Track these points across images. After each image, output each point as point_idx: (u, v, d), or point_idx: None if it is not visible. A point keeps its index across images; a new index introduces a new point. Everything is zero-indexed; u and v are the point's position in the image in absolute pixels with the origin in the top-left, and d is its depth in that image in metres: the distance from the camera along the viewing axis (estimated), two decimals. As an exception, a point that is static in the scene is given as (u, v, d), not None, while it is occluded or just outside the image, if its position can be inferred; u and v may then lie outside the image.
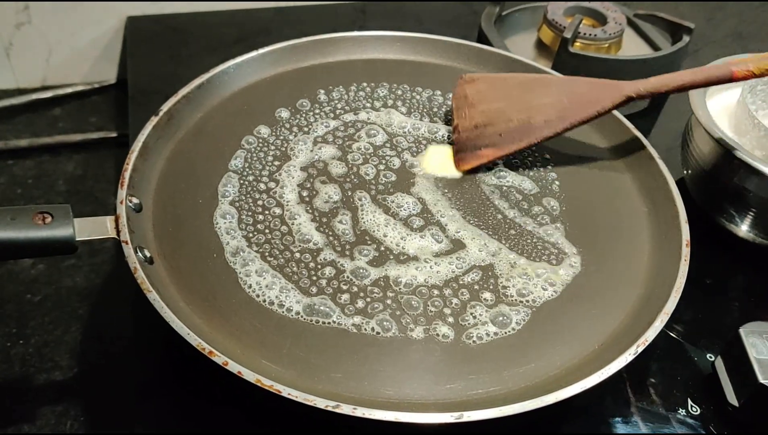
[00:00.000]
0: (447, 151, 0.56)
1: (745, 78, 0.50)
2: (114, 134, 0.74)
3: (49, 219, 0.41)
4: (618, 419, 0.45)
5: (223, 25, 0.80)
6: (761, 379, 0.42)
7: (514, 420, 0.37)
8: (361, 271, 0.46)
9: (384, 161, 0.55)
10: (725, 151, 0.51)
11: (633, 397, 0.46)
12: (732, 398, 0.44)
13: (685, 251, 0.46)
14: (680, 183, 0.53)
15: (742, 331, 0.45)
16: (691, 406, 0.46)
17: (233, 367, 0.37)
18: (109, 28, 0.79)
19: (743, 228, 0.55)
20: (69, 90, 0.79)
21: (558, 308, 0.45)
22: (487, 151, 0.54)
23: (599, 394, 0.46)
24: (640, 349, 0.40)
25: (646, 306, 0.45)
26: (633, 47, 0.75)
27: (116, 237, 0.43)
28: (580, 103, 0.53)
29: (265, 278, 0.45)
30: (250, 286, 0.44)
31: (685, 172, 0.59)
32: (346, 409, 0.36)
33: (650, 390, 0.47)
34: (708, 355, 0.49)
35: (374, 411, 0.36)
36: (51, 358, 0.54)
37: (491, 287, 0.46)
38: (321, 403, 0.36)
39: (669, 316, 0.42)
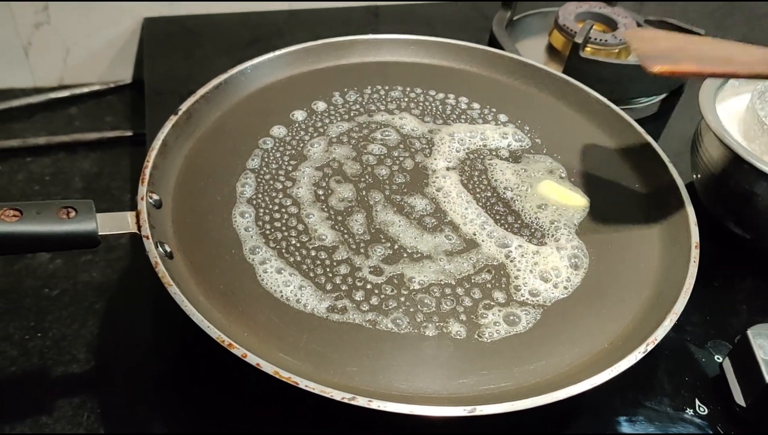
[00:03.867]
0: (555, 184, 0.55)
1: None
2: (129, 133, 0.75)
3: (72, 213, 0.42)
4: (626, 419, 0.46)
5: (237, 26, 0.81)
6: (768, 380, 0.43)
7: (523, 416, 0.38)
8: (375, 268, 0.47)
9: (398, 162, 0.55)
10: (735, 156, 0.52)
11: (641, 397, 0.47)
12: (739, 398, 0.45)
13: (695, 253, 0.47)
14: (689, 187, 0.54)
15: (749, 332, 0.45)
16: (699, 406, 0.46)
17: (252, 359, 0.38)
18: (126, 29, 0.80)
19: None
20: (85, 89, 0.81)
21: (568, 308, 0.46)
22: (685, 63, 0.47)
23: (607, 394, 0.47)
24: (649, 348, 0.41)
25: (655, 306, 0.45)
26: (643, 53, 0.75)
27: (137, 232, 0.44)
28: None
29: (282, 275, 0.46)
30: (267, 283, 0.45)
31: (694, 176, 0.59)
32: (361, 401, 0.37)
33: (658, 390, 0.47)
34: (716, 357, 0.49)
35: (389, 403, 0.37)
36: (68, 351, 0.55)
37: (503, 286, 0.47)
38: (337, 395, 0.37)
39: (678, 315, 0.43)
